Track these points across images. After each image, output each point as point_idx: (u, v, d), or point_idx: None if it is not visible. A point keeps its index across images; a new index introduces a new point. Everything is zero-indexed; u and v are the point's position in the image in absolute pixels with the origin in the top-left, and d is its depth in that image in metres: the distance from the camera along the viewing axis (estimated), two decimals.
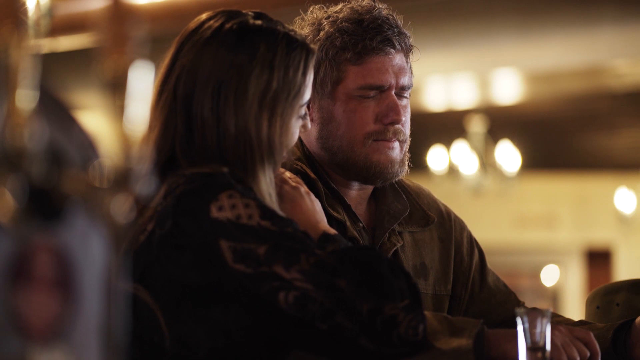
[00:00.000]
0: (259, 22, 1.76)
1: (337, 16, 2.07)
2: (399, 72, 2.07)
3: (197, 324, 1.65)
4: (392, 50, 2.06)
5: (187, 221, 1.63)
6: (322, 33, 2.05)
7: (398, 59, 2.07)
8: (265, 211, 1.65)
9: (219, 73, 1.71)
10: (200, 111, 1.71)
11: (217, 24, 1.75)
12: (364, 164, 2.06)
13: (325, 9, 2.10)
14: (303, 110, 1.77)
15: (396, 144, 2.07)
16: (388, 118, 2.05)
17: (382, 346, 1.61)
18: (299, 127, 1.78)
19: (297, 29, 2.08)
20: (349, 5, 2.09)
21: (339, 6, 2.10)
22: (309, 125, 1.83)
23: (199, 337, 1.65)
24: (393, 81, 2.06)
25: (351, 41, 2.04)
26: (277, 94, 1.72)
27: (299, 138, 2.14)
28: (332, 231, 1.82)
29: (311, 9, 2.11)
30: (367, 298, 1.60)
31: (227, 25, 1.75)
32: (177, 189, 1.66)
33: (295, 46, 1.75)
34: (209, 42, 1.74)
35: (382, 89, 2.05)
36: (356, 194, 2.13)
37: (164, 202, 1.66)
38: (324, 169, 2.10)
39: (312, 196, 1.90)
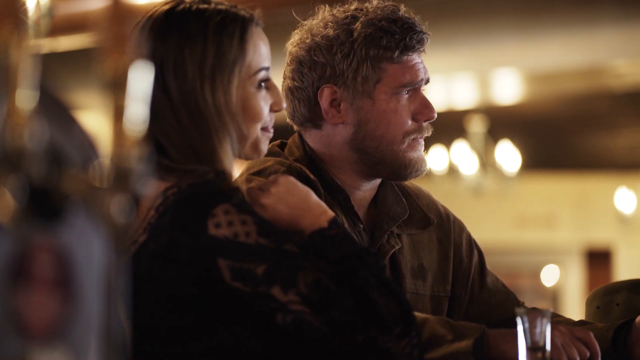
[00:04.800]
0: (188, 5, 1.77)
1: (369, 15, 2.08)
2: (425, 67, 2.13)
3: (195, 339, 1.64)
4: (422, 47, 2.11)
5: (184, 237, 1.62)
6: (356, 34, 2.06)
7: (422, 55, 2.13)
8: (263, 227, 1.64)
9: (155, 57, 1.72)
10: (153, 96, 1.71)
11: (151, 12, 1.76)
12: (402, 162, 2.08)
13: (345, 10, 2.11)
14: (257, 78, 1.76)
15: (422, 141, 2.12)
16: (424, 115, 2.09)
17: None
18: (264, 99, 1.77)
19: (323, 31, 2.08)
20: (373, 5, 2.10)
21: (353, 6, 2.11)
22: (283, 104, 1.80)
23: (197, 352, 1.64)
24: (424, 77, 2.11)
25: (394, 40, 2.06)
26: (215, 63, 1.72)
27: (300, 138, 2.14)
28: (322, 224, 1.75)
29: (323, 9, 2.12)
30: (362, 328, 1.62)
31: (157, 11, 1.76)
32: (168, 200, 1.66)
33: (227, 14, 1.76)
34: (143, 30, 1.75)
35: (415, 86, 2.09)
36: (362, 195, 2.14)
37: (156, 215, 1.65)
38: (329, 169, 2.11)
39: (297, 186, 1.82)
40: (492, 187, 8.98)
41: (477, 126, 8.58)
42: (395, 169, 2.09)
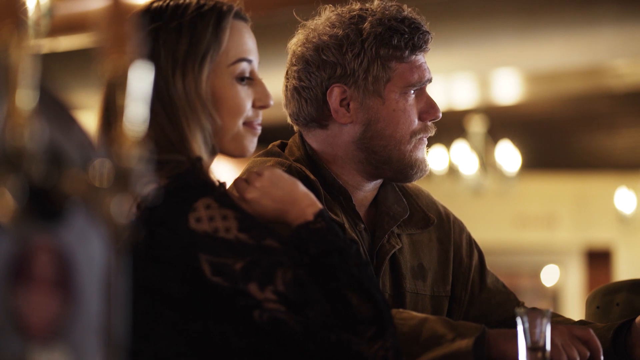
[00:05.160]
0: (168, 0, 1.78)
1: (376, 15, 2.08)
2: (428, 67, 2.13)
3: (178, 337, 1.62)
4: (428, 47, 2.12)
5: (164, 232, 1.61)
6: (365, 33, 2.06)
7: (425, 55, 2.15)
8: (244, 222, 1.62)
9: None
10: None
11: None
12: (408, 162, 2.09)
13: (350, 10, 2.10)
14: (236, 69, 1.75)
15: (426, 141, 2.14)
16: (430, 115, 2.11)
17: None
18: (245, 92, 1.75)
19: (330, 30, 2.08)
20: (377, 6, 2.10)
21: (356, 6, 2.11)
22: (270, 101, 1.78)
23: (180, 350, 1.63)
24: (429, 76, 2.12)
25: (404, 40, 2.07)
26: (187, 50, 1.72)
27: (301, 138, 2.14)
28: (308, 217, 1.72)
29: (325, 9, 2.12)
30: (335, 329, 1.60)
31: (141, 7, 1.77)
32: (148, 195, 1.64)
33: (204, 5, 1.76)
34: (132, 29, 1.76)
35: (422, 85, 2.11)
36: (363, 195, 2.14)
37: (137, 212, 1.63)
38: (332, 169, 2.11)
39: (283, 177, 1.78)
40: (492, 187, 8.98)
41: (477, 126, 8.58)
42: (401, 169, 2.10)
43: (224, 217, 1.62)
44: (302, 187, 1.76)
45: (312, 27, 2.11)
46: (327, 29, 2.08)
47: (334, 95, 2.07)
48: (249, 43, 1.79)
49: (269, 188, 1.76)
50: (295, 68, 2.10)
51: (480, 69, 6.87)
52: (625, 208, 10.05)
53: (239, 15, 1.79)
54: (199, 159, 1.69)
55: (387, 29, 2.06)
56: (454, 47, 6.10)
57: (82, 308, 0.99)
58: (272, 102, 1.80)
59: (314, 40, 2.08)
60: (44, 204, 0.96)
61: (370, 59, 2.06)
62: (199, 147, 1.71)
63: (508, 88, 7.59)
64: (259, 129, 1.78)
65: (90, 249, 1.01)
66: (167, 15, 1.75)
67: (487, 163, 8.78)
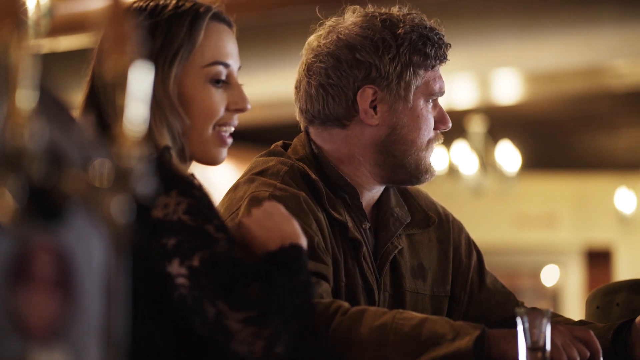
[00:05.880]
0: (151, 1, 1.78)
1: (406, 22, 2.09)
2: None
3: (159, 327, 1.60)
4: (448, 59, 2.15)
5: (135, 225, 1.60)
6: (400, 38, 2.07)
7: None
8: (192, 207, 1.60)
9: None
10: None
11: None
12: (424, 167, 2.14)
13: (380, 14, 2.10)
14: (211, 71, 1.75)
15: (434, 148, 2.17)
16: (443, 124, 2.15)
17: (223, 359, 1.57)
18: (219, 95, 1.75)
19: (364, 31, 2.07)
20: (399, 12, 2.11)
21: (382, 9, 2.11)
22: (247, 105, 1.77)
23: (163, 339, 1.60)
24: (444, 88, 2.15)
25: (434, 49, 2.09)
26: (160, 48, 1.73)
27: (307, 136, 2.13)
28: (285, 245, 1.67)
29: (354, 9, 2.12)
30: (215, 302, 1.55)
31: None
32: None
33: (183, 5, 1.76)
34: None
35: (441, 95, 2.14)
36: (370, 196, 2.15)
37: None
38: (342, 168, 2.10)
39: (275, 210, 1.75)
40: (492, 187, 8.98)
41: (477, 126, 8.58)
42: (417, 174, 2.13)
43: (178, 203, 1.60)
44: (295, 224, 1.72)
45: (342, 26, 2.09)
46: (360, 29, 2.07)
47: (365, 95, 2.06)
48: (228, 46, 1.78)
49: (262, 216, 1.72)
50: (323, 65, 2.08)
51: (480, 69, 6.87)
52: (625, 208, 10.05)
53: (219, 18, 1.78)
54: (167, 148, 1.68)
55: (420, 36, 2.08)
56: (454, 47, 6.09)
57: (82, 308, 0.99)
58: (249, 106, 1.79)
59: (345, 39, 2.07)
60: (44, 204, 0.96)
61: (403, 64, 2.07)
62: (167, 143, 1.71)
63: (508, 88, 7.59)
64: (229, 141, 1.77)
65: (90, 249, 1.01)
66: (146, 13, 1.75)
67: (487, 163, 8.79)
